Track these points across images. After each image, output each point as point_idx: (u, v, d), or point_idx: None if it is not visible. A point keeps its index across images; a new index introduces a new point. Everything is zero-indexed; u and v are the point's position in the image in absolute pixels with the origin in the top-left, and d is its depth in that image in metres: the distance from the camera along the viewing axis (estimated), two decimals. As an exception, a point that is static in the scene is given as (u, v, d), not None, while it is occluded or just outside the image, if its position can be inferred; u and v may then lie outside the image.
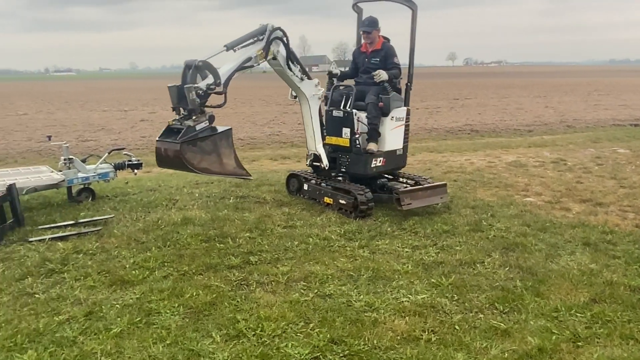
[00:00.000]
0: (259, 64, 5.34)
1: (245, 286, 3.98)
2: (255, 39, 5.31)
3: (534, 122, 17.26)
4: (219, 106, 4.92)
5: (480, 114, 19.93)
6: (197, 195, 6.73)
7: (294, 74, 5.70)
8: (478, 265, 4.39)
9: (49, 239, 4.91)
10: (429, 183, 6.25)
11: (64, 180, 6.10)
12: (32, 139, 14.33)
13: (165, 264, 4.39)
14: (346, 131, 6.01)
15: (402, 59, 6.31)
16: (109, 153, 6.58)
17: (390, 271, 4.24)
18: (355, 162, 6.05)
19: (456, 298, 3.77)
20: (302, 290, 3.88)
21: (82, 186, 6.35)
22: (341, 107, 6.05)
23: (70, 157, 6.21)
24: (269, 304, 3.65)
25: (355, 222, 5.53)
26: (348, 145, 6.01)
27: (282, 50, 5.52)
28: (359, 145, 5.98)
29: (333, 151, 6.22)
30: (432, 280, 4.06)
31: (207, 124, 4.86)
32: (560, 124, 16.96)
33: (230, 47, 5.13)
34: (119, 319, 3.42)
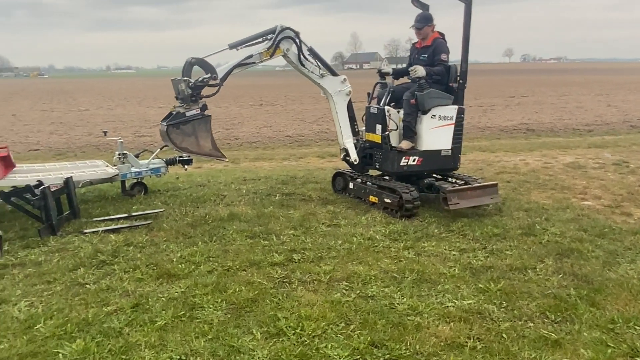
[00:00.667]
0: (262, 61, 5.74)
1: (287, 284, 3.98)
2: (263, 38, 5.69)
3: (595, 122, 16.45)
4: (209, 96, 5.60)
5: (537, 113, 19.19)
6: (244, 191, 6.82)
7: (310, 70, 5.91)
8: (529, 271, 4.21)
9: (102, 231, 5.10)
10: (478, 183, 6.05)
11: (118, 175, 6.32)
12: (92, 134, 14.96)
13: (211, 258, 4.46)
14: (379, 128, 5.99)
15: (457, 55, 6.13)
16: (161, 149, 6.76)
17: (435, 274, 4.13)
18: (385, 159, 6.00)
19: (505, 305, 3.62)
20: (344, 291, 3.84)
21: (135, 180, 6.57)
22: (380, 104, 6.03)
23: (125, 152, 6.43)
24: (310, 303, 3.62)
25: (401, 222, 5.43)
26: (380, 141, 5.98)
27: (294, 49, 5.77)
28: (388, 142, 5.91)
29: (370, 147, 6.24)
30: (480, 285, 3.92)
31: (199, 111, 5.61)
32: (624, 123, 16.07)
33: (232, 46, 5.64)
34: (164, 312, 3.49)
